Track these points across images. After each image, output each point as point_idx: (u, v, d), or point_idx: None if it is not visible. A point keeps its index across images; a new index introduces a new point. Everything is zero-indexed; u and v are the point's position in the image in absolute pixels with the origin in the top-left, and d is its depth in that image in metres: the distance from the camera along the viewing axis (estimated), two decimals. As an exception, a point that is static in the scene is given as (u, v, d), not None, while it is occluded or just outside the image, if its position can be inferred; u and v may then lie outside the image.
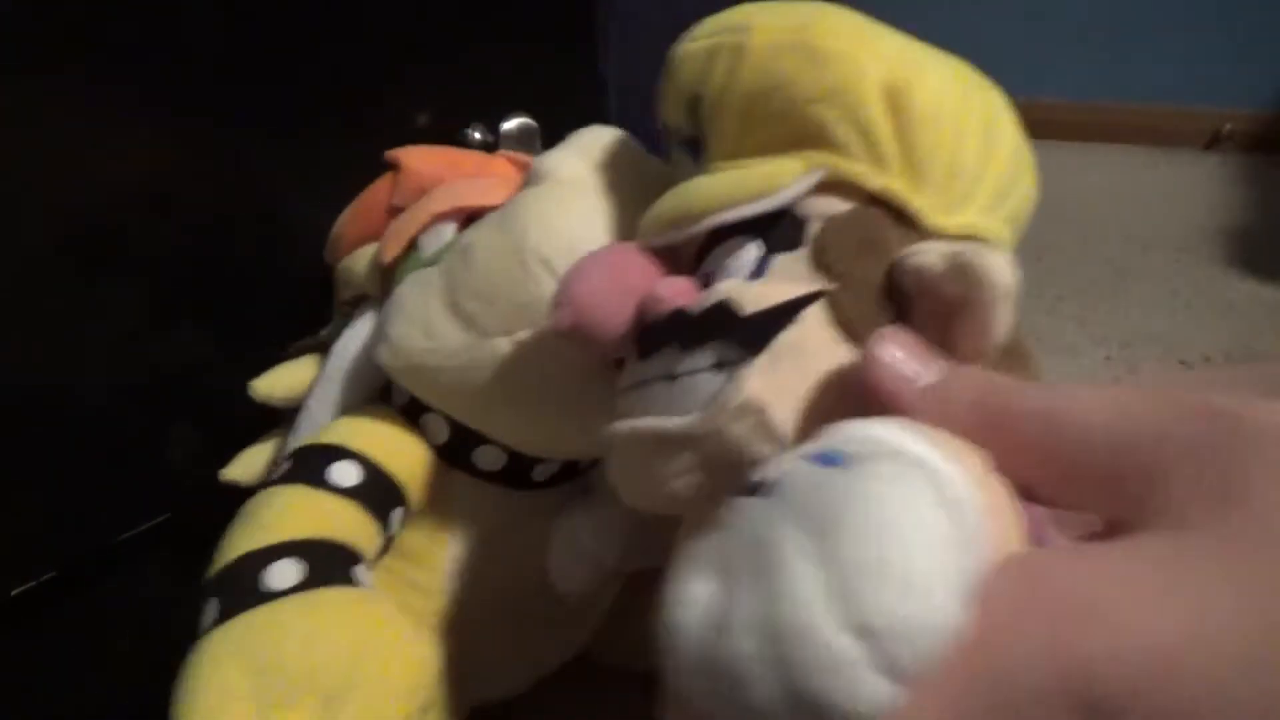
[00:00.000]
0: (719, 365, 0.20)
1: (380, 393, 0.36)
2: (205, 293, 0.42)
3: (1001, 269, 0.18)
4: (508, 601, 0.36)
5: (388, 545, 0.33)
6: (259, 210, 0.43)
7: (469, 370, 0.30)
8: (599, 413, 0.27)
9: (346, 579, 0.27)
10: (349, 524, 0.30)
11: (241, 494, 0.31)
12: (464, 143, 0.49)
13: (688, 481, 0.20)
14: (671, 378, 0.21)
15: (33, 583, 0.39)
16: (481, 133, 0.49)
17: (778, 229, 0.23)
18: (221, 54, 0.40)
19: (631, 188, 0.30)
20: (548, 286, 0.28)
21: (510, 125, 0.50)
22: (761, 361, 0.19)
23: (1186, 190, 1.42)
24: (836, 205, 0.23)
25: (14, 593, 0.38)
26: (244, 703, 0.22)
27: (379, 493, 0.31)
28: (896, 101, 0.22)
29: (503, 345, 0.30)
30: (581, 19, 0.56)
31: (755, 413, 0.19)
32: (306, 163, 0.44)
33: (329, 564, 0.27)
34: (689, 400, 0.20)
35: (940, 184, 0.22)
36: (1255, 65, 1.54)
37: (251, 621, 0.24)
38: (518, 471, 0.34)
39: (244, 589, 0.25)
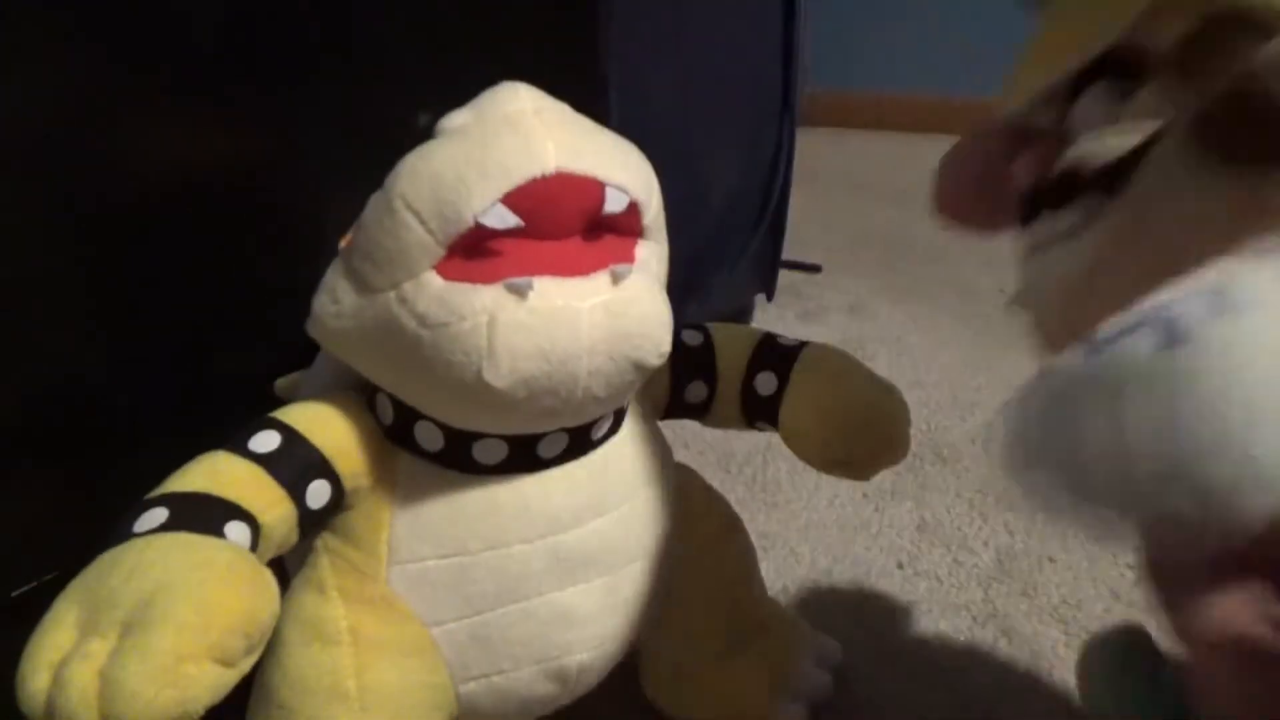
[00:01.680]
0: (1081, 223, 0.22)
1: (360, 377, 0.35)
2: (207, 291, 0.42)
3: None
4: (456, 598, 0.33)
5: (313, 519, 0.32)
6: (259, 210, 0.43)
7: (366, 331, 0.31)
8: (493, 375, 0.28)
9: (211, 530, 0.28)
10: (243, 483, 0.30)
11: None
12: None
13: None
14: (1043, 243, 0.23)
15: (33, 583, 0.39)
16: (482, 133, 0.49)
17: (1124, 64, 0.23)
18: (221, 54, 0.40)
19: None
20: (417, 232, 0.29)
21: (511, 125, 0.50)
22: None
23: (1187, 190, 1.41)
24: (1175, 28, 0.22)
25: (14, 593, 0.38)
26: (68, 631, 0.25)
27: (294, 461, 0.32)
28: None
29: (389, 299, 0.30)
30: (581, 19, 0.56)
31: None
32: (306, 163, 0.44)
33: (195, 514, 0.28)
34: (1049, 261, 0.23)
35: None
36: (1255, 65, 1.53)
37: (102, 559, 0.27)
38: (457, 450, 0.33)
39: (118, 532, 0.28)
